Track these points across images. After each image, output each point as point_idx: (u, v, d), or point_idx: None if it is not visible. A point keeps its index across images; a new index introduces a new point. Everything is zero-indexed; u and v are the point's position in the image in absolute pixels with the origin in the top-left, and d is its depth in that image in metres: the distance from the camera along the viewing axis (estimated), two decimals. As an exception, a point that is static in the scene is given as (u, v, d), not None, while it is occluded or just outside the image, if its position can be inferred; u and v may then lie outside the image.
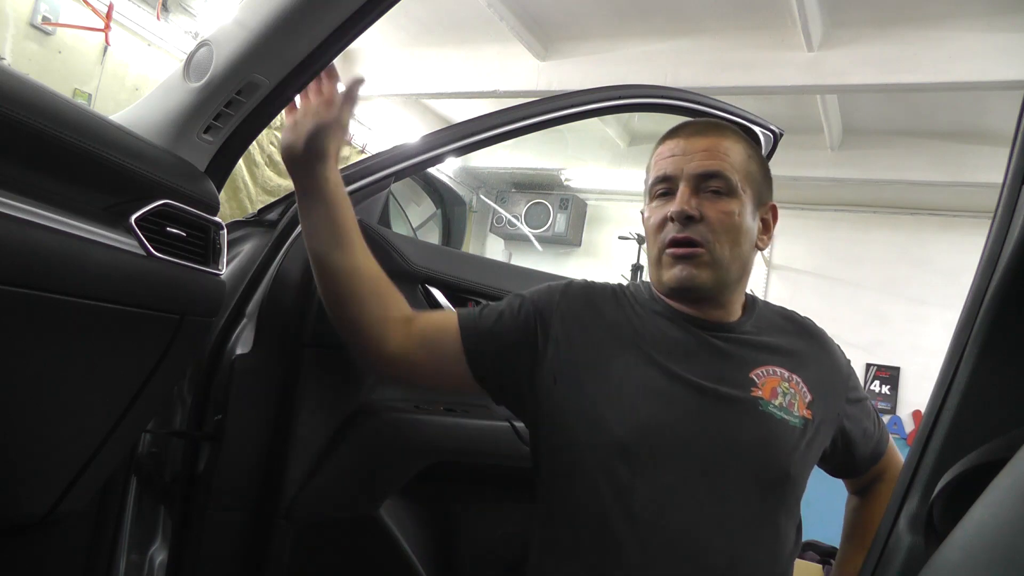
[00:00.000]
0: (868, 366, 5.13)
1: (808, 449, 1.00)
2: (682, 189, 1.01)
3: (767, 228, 1.08)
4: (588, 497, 0.95)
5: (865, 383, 5.09)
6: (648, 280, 1.11)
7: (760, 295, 5.26)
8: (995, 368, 0.48)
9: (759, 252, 1.09)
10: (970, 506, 0.38)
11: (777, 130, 1.56)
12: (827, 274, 5.37)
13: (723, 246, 1.00)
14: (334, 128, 0.97)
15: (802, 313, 1.15)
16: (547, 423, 1.02)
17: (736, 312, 1.07)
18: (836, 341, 1.14)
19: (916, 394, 4.98)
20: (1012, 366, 0.48)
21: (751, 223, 1.03)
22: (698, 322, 1.03)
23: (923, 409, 0.55)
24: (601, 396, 0.98)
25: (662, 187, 1.04)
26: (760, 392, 0.98)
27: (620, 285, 1.12)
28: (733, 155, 1.03)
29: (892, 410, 5.03)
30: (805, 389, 1.01)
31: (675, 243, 1.00)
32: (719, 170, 1.01)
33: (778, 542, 0.96)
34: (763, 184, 1.06)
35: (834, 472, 1.16)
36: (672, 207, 1.00)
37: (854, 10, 3.46)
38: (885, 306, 5.14)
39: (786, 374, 1.01)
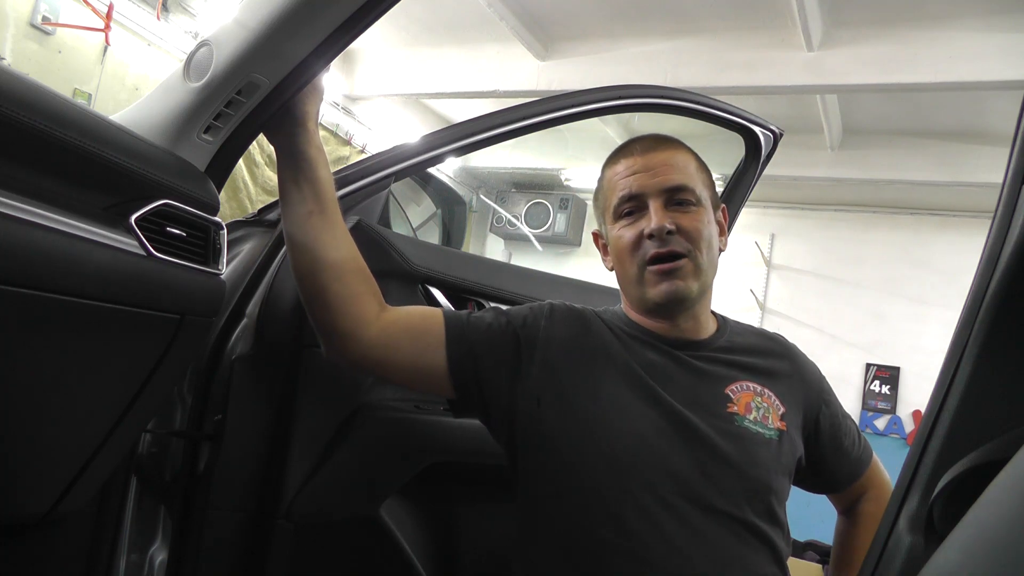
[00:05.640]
0: (868, 366, 5.10)
1: (785, 459, 1.02)
2: (655, 205, 1.02)
3: (722, 230, 1.11)
4: (580, 514, 0.96)
5: (865, 383, 5.08)
6: (619, 307, 1.12)
7: (760, 295, 5.30)
8: (995, 368, 0.48)
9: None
10: (970, 506, 0.38)
11: (777, 130, 1.56)
12: (827, 274, 5.35)
13: (701, 253, 1.02)
14: (309, 91, 0.98)
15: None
16: (531, 444, 1.02)
17: (708, 327, 1.09)
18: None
19: (916, 394, 4.97)
20: (1012, 366, 0.49)
21: (714, 228, 1.07)
22: (674, 342, 1.05)
23: (923, 409, 0.55)
24: (589, 419, 0.99)
25: (629, 206, 1.04)
26: (736, 408, 1.00)
27: (599, 310, 1.12)
28: (690, 166, 1.06)
29: (892, 410, 5.02)
30: (778, 402, 1.04)
31: (658, 259, 1.01)
32: (684, 183, 1.04)
33: (766, 549, 0.97)
34: (713, 189, 1.10)
35: (813, 488, 1.15)
36: (648, 224, 1.01)
37: (854, 10, 3.46)
38: (885, 306, 5.12)
39: (759, 388, 1.04)
